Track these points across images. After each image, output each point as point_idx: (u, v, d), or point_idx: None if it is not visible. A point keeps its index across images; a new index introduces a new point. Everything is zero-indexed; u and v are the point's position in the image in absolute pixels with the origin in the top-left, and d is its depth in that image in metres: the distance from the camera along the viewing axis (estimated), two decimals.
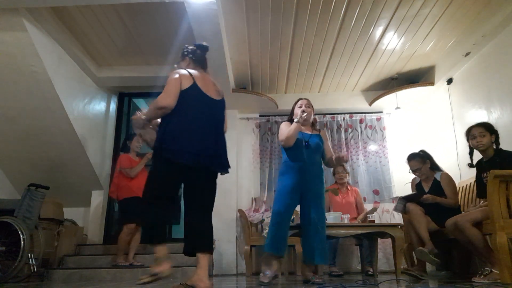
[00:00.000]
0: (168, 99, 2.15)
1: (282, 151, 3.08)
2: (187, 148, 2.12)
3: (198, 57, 2.44)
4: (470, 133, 2.95)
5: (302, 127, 2.97)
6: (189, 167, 2.14)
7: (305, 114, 2.94)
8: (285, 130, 2.96)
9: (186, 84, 2.22)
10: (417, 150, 3.64)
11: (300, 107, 3.02)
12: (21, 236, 3.39)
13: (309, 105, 3.05)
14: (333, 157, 2.97)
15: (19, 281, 3.47)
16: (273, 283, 2.71)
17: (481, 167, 2.94)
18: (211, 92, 2.32)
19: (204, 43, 2.50)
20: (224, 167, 2.38)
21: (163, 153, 2.11)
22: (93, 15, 3.73)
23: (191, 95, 2.21)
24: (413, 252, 3.48)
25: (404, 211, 3.35)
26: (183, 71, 2.28)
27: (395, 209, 3.39)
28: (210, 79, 2.41)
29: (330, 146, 3.15)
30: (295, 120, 2.92)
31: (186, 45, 2.50)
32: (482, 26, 3.58)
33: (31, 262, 3.50)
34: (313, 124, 3.14)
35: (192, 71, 2.31)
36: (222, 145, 2.33)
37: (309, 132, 3.04)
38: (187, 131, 2.15)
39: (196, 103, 2.22)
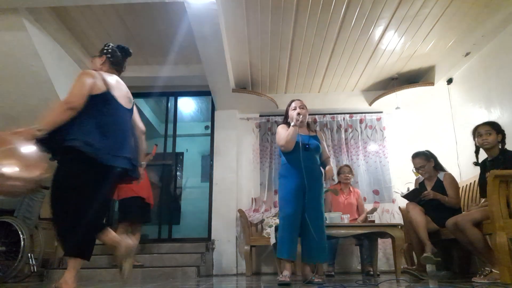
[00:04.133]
0: (80, 99, 2.05)
1: (280, 154, 3.06)
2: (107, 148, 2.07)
3: (117, 59, 2.41)
4: (476, 131, 2.97)
5: (299, 129, 2.96)
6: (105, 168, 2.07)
7: (301, 116, 2.91)
8: (283, 134, 2.94)
9: (99, 90, 2.14)
10: (421, 150, 3.65)
11: (295, 109, 2.98)
12: (21, 236, 3.39)
13: (303, 106, 3.02)
14: (327, 166, 3.02)
15: (19, 281, 3.47)
16: (292, 283, 2.71)
17: (485, 167, 2.95)
18: (123, 100, 2.27)
19: (128, 48, 2.47)
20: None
21: (88, 152, 1.98)
22: (93, 15, 3.73)
23: (103, 101, 2.15)
24: (413, 252, 3.49)
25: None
26: (98, 76, 2.19)
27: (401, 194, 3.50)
28: (124, 86, 2.37)
29: (326, 147, 3.15)
30: (292, 124, 2.89)
31: (109, 43, 2.45)
32: (482, 26, 3.58)
33: (31, 262, 3.50)
34: (308, 125, 3.12)
35: (107, 77, 2.24)
36: (134, 151, 2.29)
37: (306, 134, 3.03)
38: (103, 133, 2.09)
39: (108, 110, 2.16)
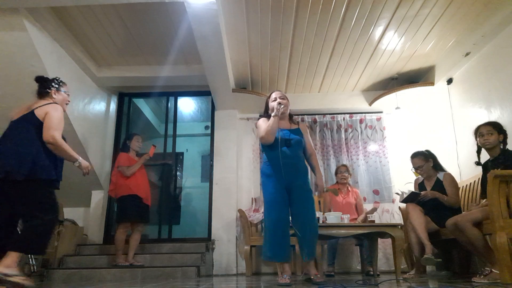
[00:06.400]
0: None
1: (263, 150, 2.90)
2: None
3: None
4: (478, 131, 2.97)
5: (280, 122, 2.80)
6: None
7: (282, 106, 2.78)
8: (263, 126, 2.78)
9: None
10: (421, 149, 3.65)
11: (275, 100, 2.83)
12: None
13: (283, 96, 2.87)
14: (317, 175, 2.88)
15: None
16: (292, 283, 2.69)
17: (487, 168, 2.95)
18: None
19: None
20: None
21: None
22: (93, 15, 3.73)
23: None
24: (413, 253, 3.48)
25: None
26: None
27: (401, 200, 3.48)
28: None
29: (311, 141, 2.98)
30: (273, 114, 2.75)
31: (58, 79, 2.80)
32: (482, 26, 3.58)
33: (31, 262, 3.50)
34: (290, 118, 2.97)
35: None
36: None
37: (288, 128, 2.87)
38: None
39: None
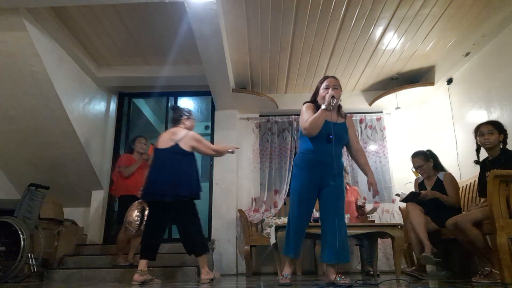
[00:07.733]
0: None
1: (300, 138, 2.67)
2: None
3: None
4: (479, 130, 2.95)
5: (327, 113, 2.49)
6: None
7: (335, 100, 2.47)
8: (307, 115, 2.53)
9: None
10: (422, 149, 3.65)
11: (327, 88, 2.51)
12: (21, 236, 3.39)
13: (337, 85, 2.54)
14: (369, 176, 2.61)
15: (19, 281, 3.47)
16: (292, 283, 2.67)
17: (485, 166, 2.94)
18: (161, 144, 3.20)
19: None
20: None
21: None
22: (93, 15, 3.73)
23: None
24: (413, 253, 3.49)
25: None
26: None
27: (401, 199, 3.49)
28: (167, 132, 3.27)
29: (356, 135, 2.75)
30: (323, 106, 2.45)
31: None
32: (482, 26, 3.58)
33: (31, 262, 3.50)
34: (339, 109, 2.66)
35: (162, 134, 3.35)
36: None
37: (334, 120, 2.55)
38: None
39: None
